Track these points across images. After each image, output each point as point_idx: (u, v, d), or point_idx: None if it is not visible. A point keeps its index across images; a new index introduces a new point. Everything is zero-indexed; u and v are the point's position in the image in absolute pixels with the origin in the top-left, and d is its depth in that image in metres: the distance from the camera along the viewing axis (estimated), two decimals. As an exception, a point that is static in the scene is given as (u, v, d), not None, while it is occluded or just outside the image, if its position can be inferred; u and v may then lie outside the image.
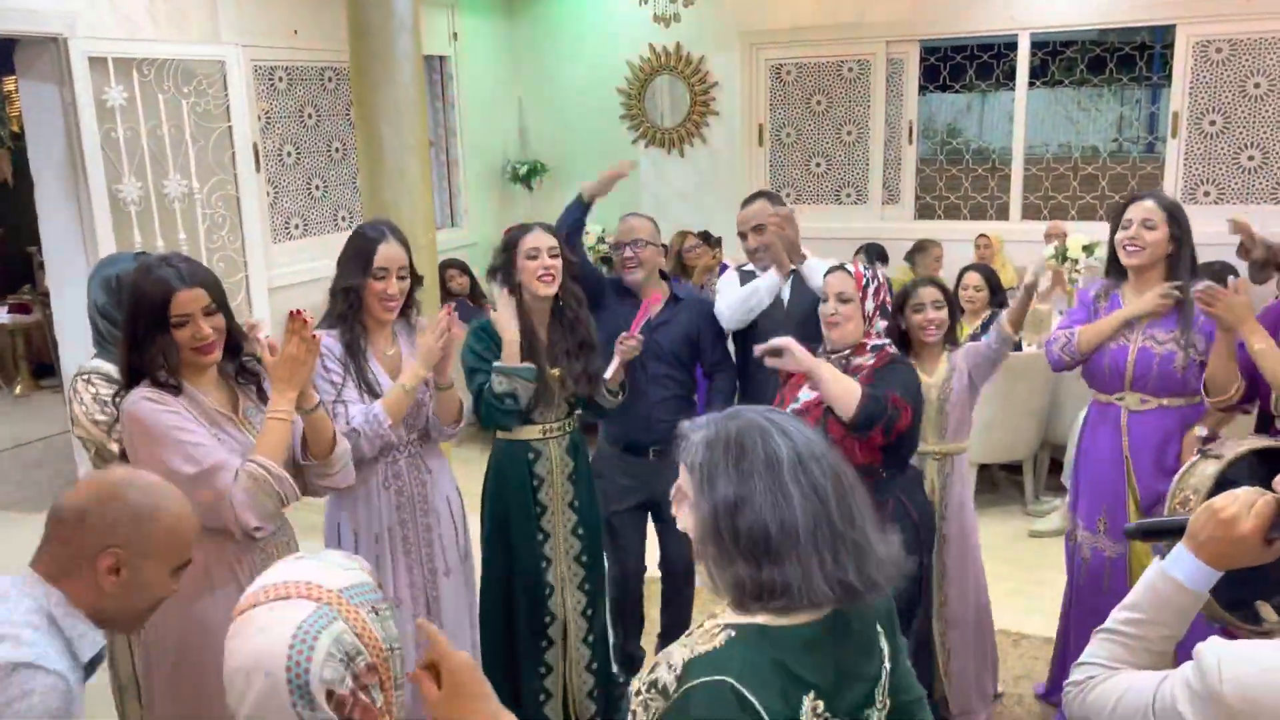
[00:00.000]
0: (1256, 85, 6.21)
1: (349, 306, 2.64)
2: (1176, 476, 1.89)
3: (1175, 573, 1.40)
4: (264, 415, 2.24)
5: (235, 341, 2.25)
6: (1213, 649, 1.25)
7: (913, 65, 7.07)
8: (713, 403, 3.39)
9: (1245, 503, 1.35)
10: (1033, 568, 4.41)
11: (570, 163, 7.87)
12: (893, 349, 2.77)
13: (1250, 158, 6.31)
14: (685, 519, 1.37)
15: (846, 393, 2.56)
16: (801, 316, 3.24)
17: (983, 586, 3.29)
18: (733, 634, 1.28)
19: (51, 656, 1.50)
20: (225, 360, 2.26)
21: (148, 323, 2.11)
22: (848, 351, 2.72)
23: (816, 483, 1.29)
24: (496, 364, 2.84)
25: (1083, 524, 3.20)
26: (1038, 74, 7.12)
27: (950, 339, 3.19)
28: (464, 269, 6.54)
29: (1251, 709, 1.20)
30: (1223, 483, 1.80)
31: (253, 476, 2.11)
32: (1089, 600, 3.18)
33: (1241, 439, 1.89)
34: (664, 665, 1.29)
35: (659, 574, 3.57)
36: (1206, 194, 6.40)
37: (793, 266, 3.36)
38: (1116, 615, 1.45)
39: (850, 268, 2.76)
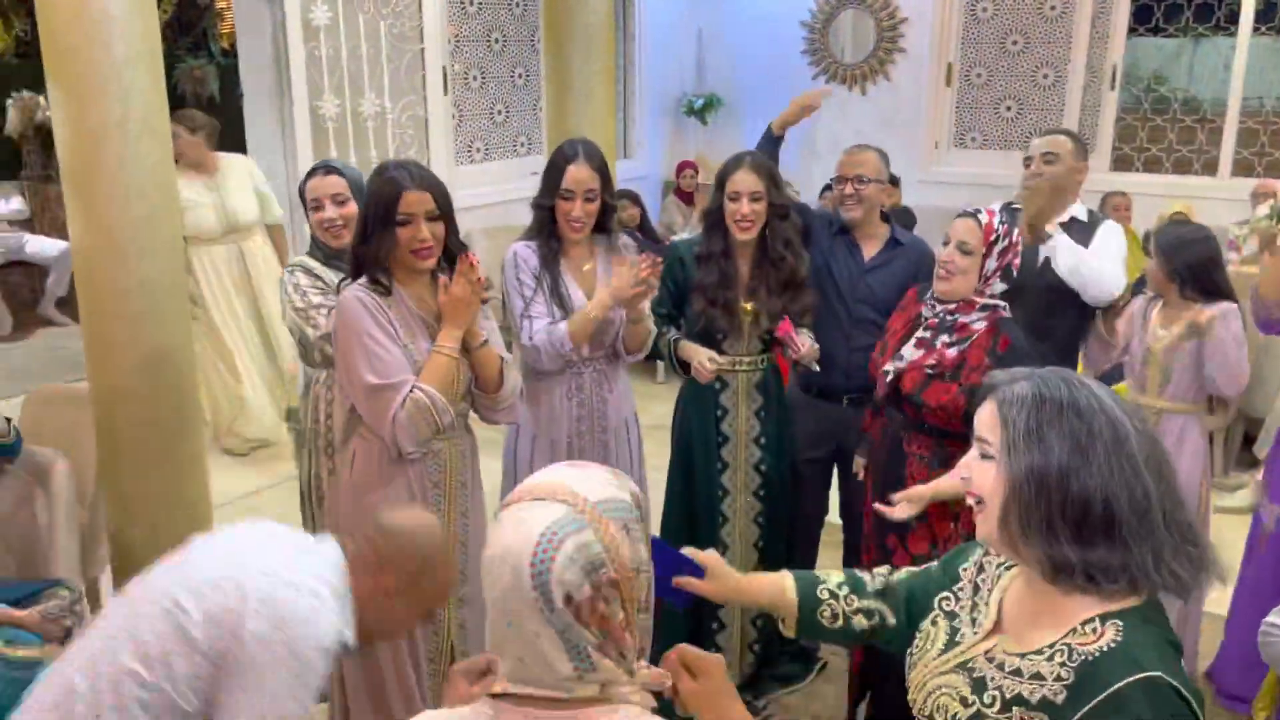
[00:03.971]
0: None
1: (544, 221, 2.71)
2: None
3: None
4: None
5: (452, 253, 2.33)
6: None
7: (1123, 4, 6.60)
8: None
9: None
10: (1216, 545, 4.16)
11: (746, 97, 7.74)
12: (1005, 310, 2.51)
13: None
14: (984, 476, 1.24)
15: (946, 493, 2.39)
16: (1045, 286, 3.04)
17: None
18: (1120, 624, 1.19)
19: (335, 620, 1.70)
20: (442, 269, 2.35)
21: (376, 219, 2.23)
22: (953, 306, 2.49)
23: (1159, 461, 1.20)
24: (674, 339, 2.96)
25: (1270, 493, 3.05)
26: (1262, 19, 6.53)
27: (1214, 292, 3.00)
28: (635, 200, 6.56)
29: None
30: None
31: (418, 404, 2.22)
32: (1263, 574, 3.06)
33: None
34: (1024, 680, 1.21)
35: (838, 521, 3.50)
36: None
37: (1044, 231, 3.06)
38: None
39: (984, 216, 2.45)
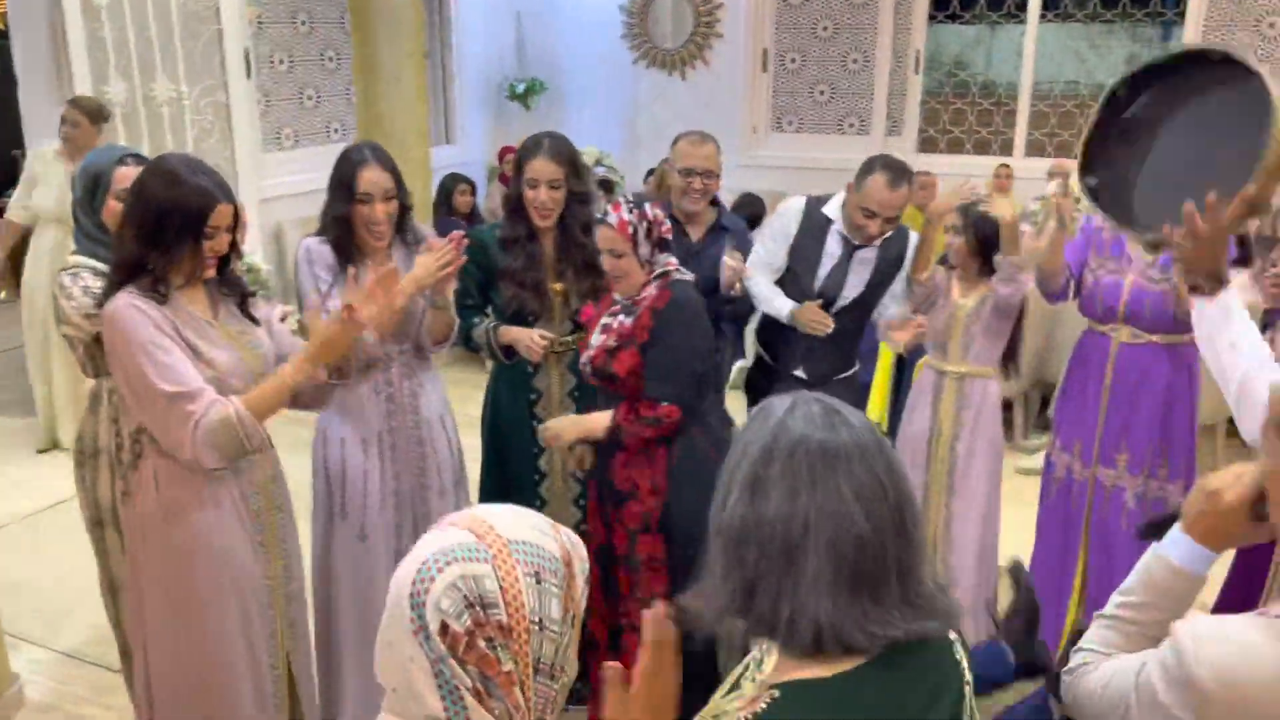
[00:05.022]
0: (1271, 25, 6.08)
1: (341, 233, 2.60)
2: None
3: (1169, 554, 1.32)
4: (240, 326, 2.25)
5: (228, 256, 2.23)
6: (1189, 628, 1.15)
7: (923, -8, 6.91)
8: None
9: (1234, 473, 1.27)
10: (1019, 505, 4.42)
11: (569, 81, 7.71)
12: (679, 273, 2.59)
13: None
14: None
15: (595, 429, 2.54)
16: (877, 281, 3.18)
17: (993, 521, 3.30)
18: (776, 695, 1.09)
19: None
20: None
21: (180, 229, 2.08)
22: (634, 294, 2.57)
23: (794, 484, 1.07)
24: (492, 326, 2.87)
25: (1059, 443, 3.25)
26: (1050, 6, 6.95)
27: (986, 268, 3.18)
28: (474, 188, 6.46)
29: (1230, 694, 1.09)
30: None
31: (223, 419, 2.07)
32: (1054, 517, 3.27)
33: None
34: None
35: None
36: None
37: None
38: (1114, 600, 1.37)
39: (612, 218, 2.49)
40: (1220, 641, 1.12)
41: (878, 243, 3.17)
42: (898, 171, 3.02)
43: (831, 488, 1.08)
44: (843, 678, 1.08)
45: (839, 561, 1.07)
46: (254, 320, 2.31)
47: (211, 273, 2.19)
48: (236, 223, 2.19)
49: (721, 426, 2.75)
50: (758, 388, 3.44)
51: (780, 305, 3.19)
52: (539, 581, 1.00)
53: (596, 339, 2.59)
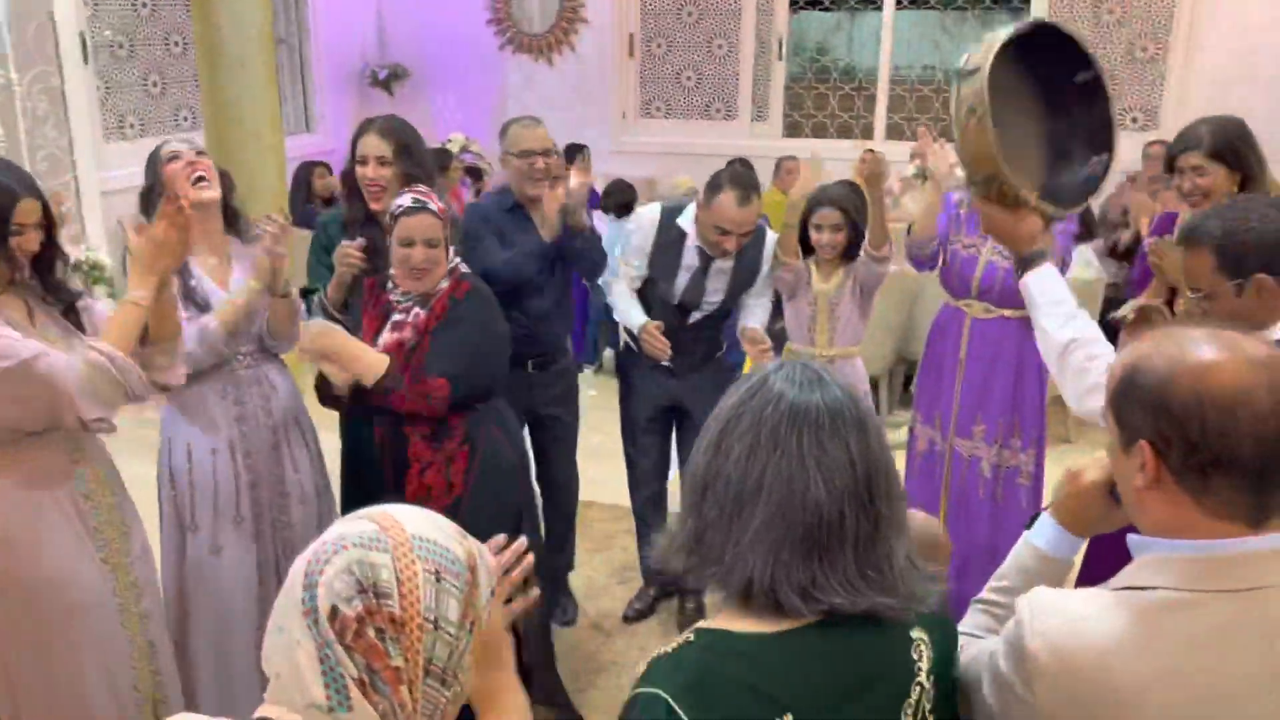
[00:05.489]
0: (1110, 11, 6.39)
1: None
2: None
3: (1036, 540, 1.35)
4: (61, 329, 2.10)
5: (49, 257, 2.10)
6: (1029, 600, 1.14)
7: (784, -21, 7.00)
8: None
9: (1095, 460, 1.29)
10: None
11: (434, 68, 7.53)
12: (462, 265, 2.52)
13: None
14: None
15: (370, 368, 2.35)
16: (736, 288, 3.20)
17: None
18: (691, 638, 1.10)
19: None
20: (31, 276, 2.11)
21: None
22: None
23: (757, 440, 1.10)
24: (322, 295, 2.76)
25: (921, 416, 3.34)
26: (907, -6, 7.15)
27: (851, 254, 3.21)
28: (331, 171, 6.25)
29: (1059, 665, 1.08)
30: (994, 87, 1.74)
31: (94, 365, 1.96)
32: (917, 490, 3.35)
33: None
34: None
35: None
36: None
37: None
38: (989, 584, 1.40)
39: (432, 205, 2.36)
40: (1056, 613, 1.11)
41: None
42: (745, 187, 2.99)
43: (793, 449, 1.09)
44: (770, 637, 1.09)
45: (787, 521, 1.08)
46: (80, 328, 2.16)
47: (21, 275, 2.07)
48: (51, 221, 2.05)
49: (517, 427, 2.72)
50: (627, 374, 3.43)
51: (634, 317, 3.18)
52: (439, 580, 0.98)
53: (387, 338, 2.44)
